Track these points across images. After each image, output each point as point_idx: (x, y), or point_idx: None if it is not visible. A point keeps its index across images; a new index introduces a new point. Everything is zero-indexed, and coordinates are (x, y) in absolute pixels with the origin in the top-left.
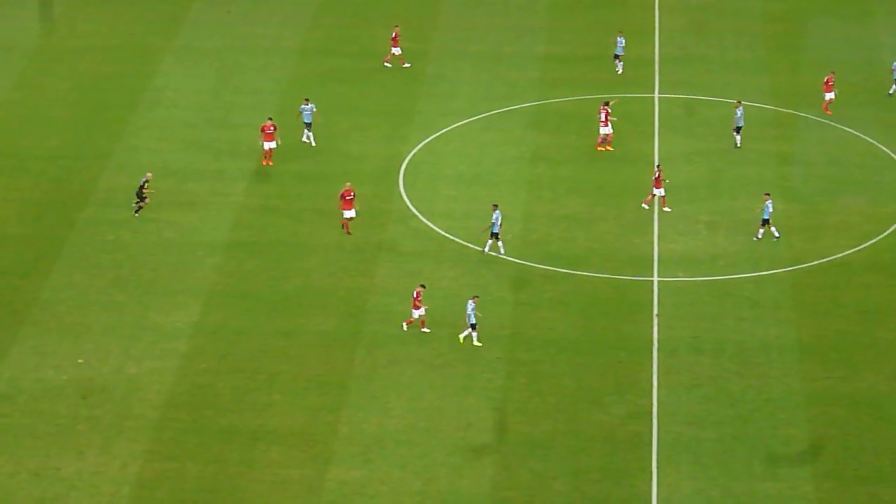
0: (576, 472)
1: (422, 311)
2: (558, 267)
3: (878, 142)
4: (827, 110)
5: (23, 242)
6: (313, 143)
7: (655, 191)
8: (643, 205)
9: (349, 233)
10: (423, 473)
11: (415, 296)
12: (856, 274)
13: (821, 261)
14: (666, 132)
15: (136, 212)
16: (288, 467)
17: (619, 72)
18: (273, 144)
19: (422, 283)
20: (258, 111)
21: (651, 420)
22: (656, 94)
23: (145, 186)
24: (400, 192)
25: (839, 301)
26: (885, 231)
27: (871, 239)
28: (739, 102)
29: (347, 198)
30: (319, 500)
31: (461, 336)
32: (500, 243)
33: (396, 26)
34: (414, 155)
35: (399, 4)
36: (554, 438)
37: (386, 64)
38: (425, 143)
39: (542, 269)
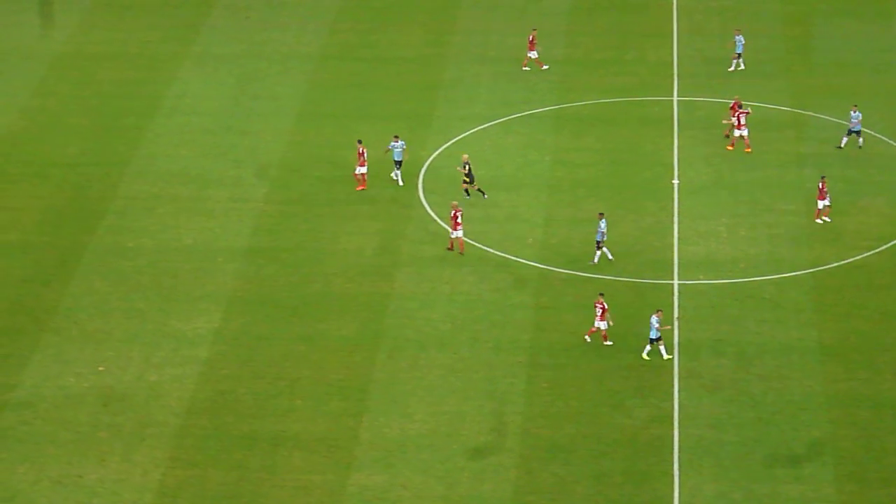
0: (598, 475)
1: (604, 325)
2: (579, 270)
3: None
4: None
5: (43, 250)
6: (401, 182)
7: (820, 203)
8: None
9: (461, 252)
10: (445, 478)
11: (601, 308)
12: (877, 275)
13: (841, 262)
14: (686, 135)
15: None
16: (310, 473)
17: (742, 68)
18: (364, 169)
19: (601, 291)
20: (277, 117)
21: (672, 423)
22: (675, 98)
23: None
24: (419, 197)
25: (860, 303)
26: None
27: (891, 240)
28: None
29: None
30: None
31: (644, 354)
32: (605, 250)
33: (534, 29)
34: (433, 160)
35: (417, 9)
36: (576, 442)
37: (525, 68)
38: (444, 148)
39: (563, 272)
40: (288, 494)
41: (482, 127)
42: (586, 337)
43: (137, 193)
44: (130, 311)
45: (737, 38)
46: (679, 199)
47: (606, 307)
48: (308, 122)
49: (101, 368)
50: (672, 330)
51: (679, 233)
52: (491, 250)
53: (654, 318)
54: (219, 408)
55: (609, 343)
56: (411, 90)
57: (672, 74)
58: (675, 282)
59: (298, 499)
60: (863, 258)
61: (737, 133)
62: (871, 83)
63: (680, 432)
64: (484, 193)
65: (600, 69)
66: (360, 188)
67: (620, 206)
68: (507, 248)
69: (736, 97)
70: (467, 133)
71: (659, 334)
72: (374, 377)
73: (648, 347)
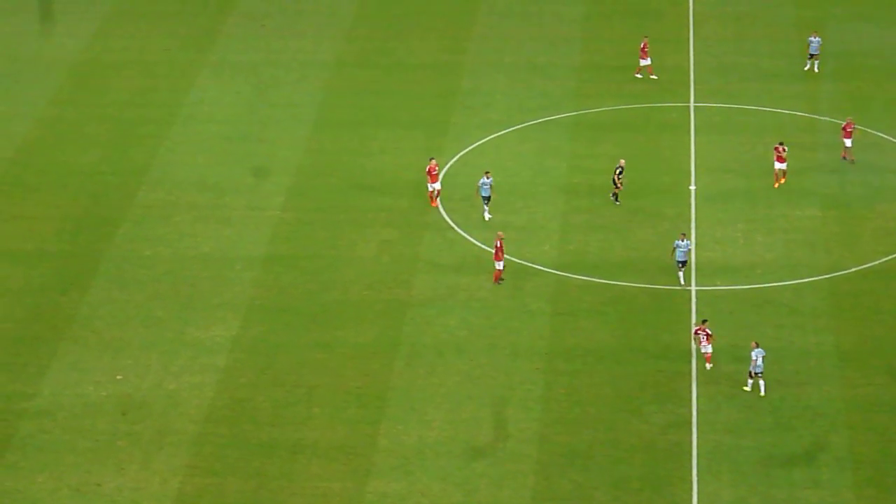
0: (616, 482)
1: (709, 349)
2: (596, 277)
3: None
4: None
5: (61, 259)
6: (488, 217)
7: (777, 165)
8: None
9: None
10: (463, 485)
11: (704, 335)
12: (894, 280)
13: (859, 267)
14: (702, 141)
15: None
16: (328, 480)
17: (816, 70)
18: (438, 186)
19: (703, 318)
20: (294, 125)
21: (691, 429)
22: (692, 103)
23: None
24: (437, 204)
25: (878, 308)
26: None
27: None
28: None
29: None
30: None
31: (746, 387)
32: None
33: (645, 37)
34: (450, 167)
35: (433, 16)
36: (594, 448)
37: (637, 75)
38: (461, 155)
39: (580, 279)
40: (306, 502)
41: (499, 134)
42: (707, 365)
43: (155, 202)
44: (148, 319)
45: (812, 39)
46: (696, 204)
47: (710, 333)
48: (325, 130)
49: (119, 377)
50: (690, 336)
51: (696, 238)
52: (508, 257)
53: (757, 354)
54: (237, 416)
55: (710, 366)
56: (428, 97)
57: (689, 81)
58: (693, 287)
59: None
60: (880, 263)
61: (778, 166)
62: (887, 88)
63: (698, 438)
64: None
65: (617, 75)
66: (433, 205)
67: (638, 212)
68: (524, 255)
69: (849, 118)
70: (484, 140)
71: (759, 369)
72: (391, 384)
73: (750, 381)
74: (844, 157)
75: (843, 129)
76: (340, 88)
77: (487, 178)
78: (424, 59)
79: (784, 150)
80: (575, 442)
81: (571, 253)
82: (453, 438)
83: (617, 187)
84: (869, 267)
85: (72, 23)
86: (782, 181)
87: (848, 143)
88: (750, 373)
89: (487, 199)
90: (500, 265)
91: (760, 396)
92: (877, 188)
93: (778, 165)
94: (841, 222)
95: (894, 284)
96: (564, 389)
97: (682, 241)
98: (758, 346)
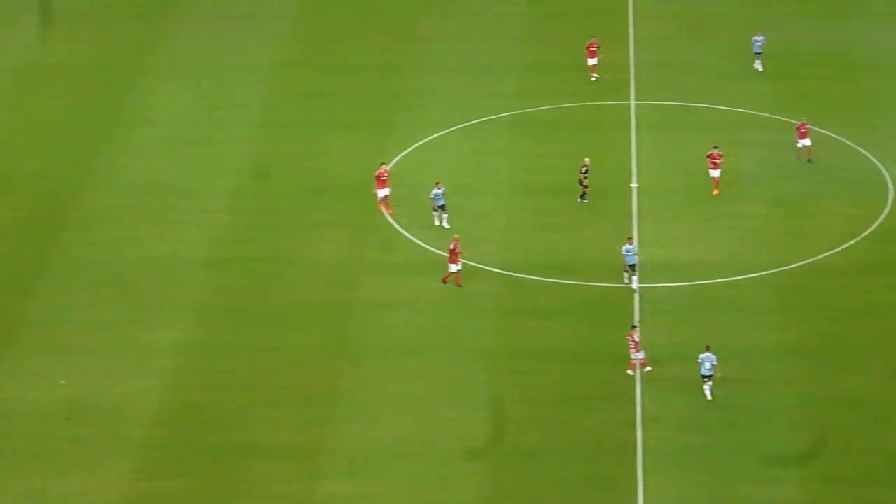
0: (564, 481)
1: (640, 355)
2: (542, 276)
3: (856, 144)
4: None
5: (5, 263)
6: (446, 225)
7: (713, 172)
8: None
9: (458, 284)
10: (412, 485)
11: (632, 342)
12: (838, 275)
13: (802, 263)
14: (644, 139)
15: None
16: (277, 483)
17: (761, 69)
18: (387, 191)
19: (633, 324)
20: (239, 127)
21: (637, 427)
22: (633, 101)
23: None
24: (390, 210)
25: (822, 303)
26: (864, 232)
27: (851, 240)
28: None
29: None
30: None
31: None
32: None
33: (593, 36)
34: (393, 167)
35: (377, 17)
36: (542, 448)
37: (593, 77)
38: (404, 155)
39: (526, 278)
40: None
41: (442, 133)
42: (629, 371)
43: (101, 205)
44: (94, 323)
45: (756, 38)
46: (638, 202)
47: (637, 340)
48: (270, 132)
49: (62, 382)
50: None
51: (639, 236)
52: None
53: (702, 357)
54: (184, 419)
55: (648, 369)
56: (372, 98)
57: (629, 79)
58: (636, 286)
59: None
60: (824, 258)
61: (713, 174)
62: (830, 85)
63: (644, 436)
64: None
65: (559, 74)
66: (388, 211)
67: (582, 211)
68: (470, 255)
69: (803, 118)
70: (426, 139)
71: (708, 372)
72: (339, 385)
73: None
74: (799, 157)
75: (798, 129)
76: (285, 90)
77: (439, 188)
78: (368, 59)
79: (719, 155)
80: (523, 441)
81: (517, 252)
82: (402, 439)
83: (584, 187)
84: (812, 262)
85: (14, 26)
86: (716, 192)
87: (805, 142)
88: (703, 376)
89: (442, 207)
90: (455, 268)
91: (707, 398)
92: (819, 184)
93: (712, 173)
94: (784, 219)
95: (837, 280)
96: (512, 389)
97: (630, 244)
98: (708, 351)
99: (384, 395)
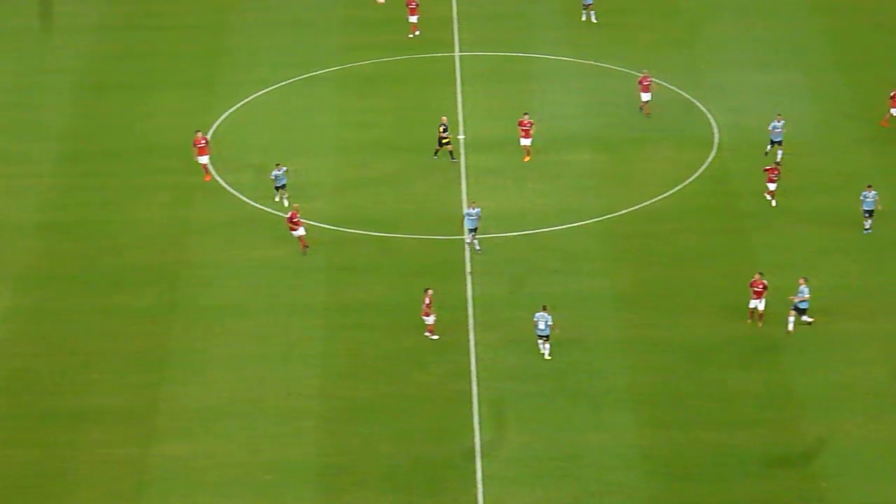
0: (400, 433)
1: (429, 320)
2: (371, 230)
3: (682, 90)
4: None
5: None
6: (286, 203)
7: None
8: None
9: (305, 248)
10: (248, 444)
11: (424, 304)
12: (665, 221)
13: (630, 209)
14: (469, 90)
15: None
16: (112, 446)
17: (594, 21)
18: (206, 159)
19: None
20: (61, 90)
21: (471, 377)
22: (456, 53)
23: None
24: (207, 164)
25: (651, 248)
26: (691, 177)
27: (677, 185)
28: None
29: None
30: (145, 476)
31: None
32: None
33: None
34: (218, 126)
35: None
36: (376, 401)
37: (410, 35)
38: (229, 114)
39: (355, 233)
40: (91, 469)
41: (267, 90)
42: (433, 336)
43: None
44: None
45: None
46: (466, 153)
47: (429, 302)
48: (93, 94)
49: None
50: (465, 285)
51: (467, 187)
52: (282, 214)
53: (537, 316)
54: (15, 386)
55: (435, 337)
56: (195, 57)
57: (452, 30)
58: (467, 238)
59: (102, 472)
60: (651, 204)
61: (523, 142)
62: (653, 28)
63: (479, 386)
64: (452, 157)
65: (382, 28)
66: (207, 179)
67: (409, 164)
68: (299, 212)
69: (645, 71)
70: (251, 97)
71: (544, 332)
72: (171, 347)
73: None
74: (641, 109)
75: (640, 82)
76: (107, 52)
77: (279, 168)
78: (190, 20)
79: (530, 123)
80: (357, 396)
81: (345, 207)
82: (236, 399)
83: (445, 144)
84: (640, 208)
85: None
86: (527, 159)
87: (646, 96)
88: (540, 336)
89: (283, 187)
90: (298, 232)
91: (545, 358)
92: (645, 130)
93: (523, 141)
94: (611, 165)
95: (664, 225)
96: (345, 344)
97: (473, 208)
98: (544, 310)
99: (217, 355)
